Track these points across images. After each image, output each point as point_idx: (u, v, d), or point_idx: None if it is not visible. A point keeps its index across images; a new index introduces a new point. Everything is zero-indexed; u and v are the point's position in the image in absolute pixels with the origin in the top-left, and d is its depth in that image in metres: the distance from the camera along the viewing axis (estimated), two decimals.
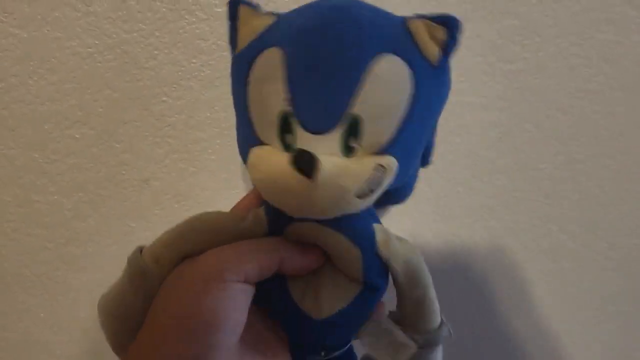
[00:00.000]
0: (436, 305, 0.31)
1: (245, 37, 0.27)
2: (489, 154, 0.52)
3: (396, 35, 0.25)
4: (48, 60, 0.43)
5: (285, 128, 0.25)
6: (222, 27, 0.44)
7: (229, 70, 0.44)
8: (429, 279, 0.30)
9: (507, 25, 0.48)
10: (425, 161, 0.33)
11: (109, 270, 0.49)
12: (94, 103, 0.45)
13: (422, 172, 0.51)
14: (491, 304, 0.57)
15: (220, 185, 0.47)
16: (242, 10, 0.27)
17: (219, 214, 0.29)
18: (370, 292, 0.29)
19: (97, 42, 0.43)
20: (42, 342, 0.51)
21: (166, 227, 0.48)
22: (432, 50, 0.25)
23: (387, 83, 0.24)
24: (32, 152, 0.45)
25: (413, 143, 0.27)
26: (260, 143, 0.26)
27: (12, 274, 0.48)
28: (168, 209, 0.48)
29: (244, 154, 0.28)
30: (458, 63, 0.48)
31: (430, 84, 0.26)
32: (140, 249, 0.30)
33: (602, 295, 0.58)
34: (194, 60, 0.45)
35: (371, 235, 0.29)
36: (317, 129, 0.24)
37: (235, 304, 0.25)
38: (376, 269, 0.29)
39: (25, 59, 0.43)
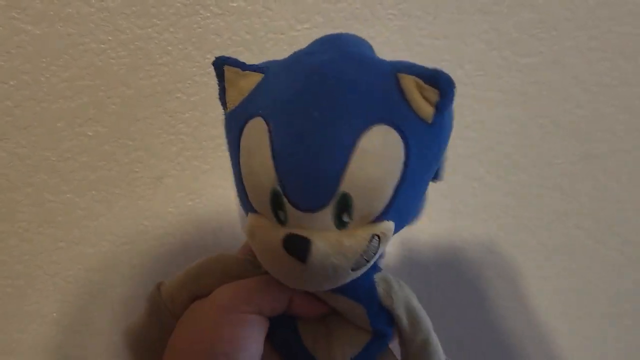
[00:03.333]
0: (440, 349, 0.30)
1: (234, 98, 0.26)
2: (504, 149, 0.51)
3: (386, 97, 0.24)
4: (60, 57, 0.43)
5: (276, 205, 0.24)
6: (238, 22, 0.44)
7: None
8: (429, 323, 0.30)
9: (524, 18, 0.47)
10: (435, 178, 0.32)
11: (122, 270, 0.48)
12: (106, 100, 0.44)
13: None
14: (506, 301, 0.56)
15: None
16: (228, 71, 0.26)
17: (232, 258, 0.30)
18: (379, 339, 0.30)
19: (110, 38, 0.43)
20: (54, 344, 0.50)
21: (180, 226, 0.48)
22: (426, 110, 0.24)
23: (376, 157, 0.23)
24: (44, 151, 0.45)
25: (410, 201, 0.26)
26: (255, 211, 0.26)
27: (24, 275, 0.48)
28: (182, 207, 0.47)
29: (244, 209, 0.28)
30: (474, 57, 0.48)
31: (424, 142, 0.25)
32: (159, 285, 0.31)
33: (619, 291, 0.58)
34: (209, 56, 0.44)
35: (372, 289, 0.29)
36: (308, 209, 0.24)
37: (252, 335, 0.26)
38: (383, 318, 0.29)
39: (38, 56, 0.42)
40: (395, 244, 0.52)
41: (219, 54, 0.44)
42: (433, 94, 0.23)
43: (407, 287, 0.30)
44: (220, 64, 0.26)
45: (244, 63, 0.26)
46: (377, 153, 0.23)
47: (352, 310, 0.29)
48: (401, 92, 0.24)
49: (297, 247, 0.23)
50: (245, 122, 0.25)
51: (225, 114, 0.27)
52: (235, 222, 0.47)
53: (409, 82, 0.24)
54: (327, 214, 0.24)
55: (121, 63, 0.43)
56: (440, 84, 0.23)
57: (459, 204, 0.52)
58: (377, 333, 0.29)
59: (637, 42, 0.49)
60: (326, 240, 0.24)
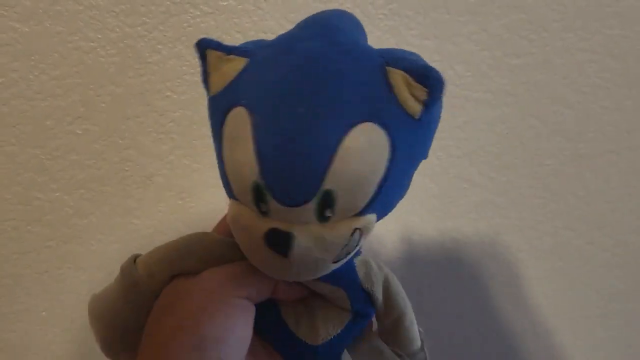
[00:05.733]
0: (414, 331, 0.31)
1: (217, 83, 0.25)
2: (494, 150, 0.51)
3: (373, 93, 0.23)
4: (49, 55, 0.43)
5: (258, 197, 0.23)
6: (228, 21, 0.44)
7: None
8: (406, 303, 0.31)
9: (513, 19, 0.47)
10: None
11: (111, 268, 0.48)
12: (96, 98, 0.44)
13: (428, 169, 0.51)
14: (496, 301, 0.56)
15: None
16: (211, 55, 0.25)
17: (216, 239, 0.29)
18: (360, 318, 0.30)
19: (99, 36, 0.43)
20: (43, 342, 0.50)
21: (170, 225, 0.48)
22: (414, 107, 0.23)
23: (360, 154, 0.23)
24: (33, 149, 0.45)
25: (394, 194, 0.26)
26: (237, 199, 0.25)
27: (12, 274, 0.48)
28: (172, 206, 0.47)
29: (227, 193, 0.27)
30: (464, 57, 0.48)
31: (411, 138, 0.24)
32: (135, 258, 0.30)
33: (608, 292, 0.58)
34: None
35: (353, 274, 0.29)
36: (290, 204, 0.23)
37: (241, 320, 0.26)
38: (363, 300, 0.30)
39: (27, 54, 0.42)
40: (385, 244, 0.52)
41: None
42: (422, 92, 0.23)
43: (386, 269, 0.31)
44: (203, 47, 0.25)
45: (227, 46, 0.25)
46: (362, 151, 0.23)
47: (333, 294, 0.29)
48: (389, 86, 0.23)
49: (279, 242, 0.23)
50: (229, 110, 0.24)
51: (208, 99, 0.26)
52: None
53: (398, 78, 0.23)
54: (309, 209, 0.23)
55: (110, 61, 0.43)
56: (430, 83, 0.22)
57: (450, 205, 0.52)
58: (358, 313, 0.30)
59: (626, 43, 0.49)
60: (308, 234, 0.23)
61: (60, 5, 0.42)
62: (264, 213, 0.24)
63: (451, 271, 0.54)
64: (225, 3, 0.43)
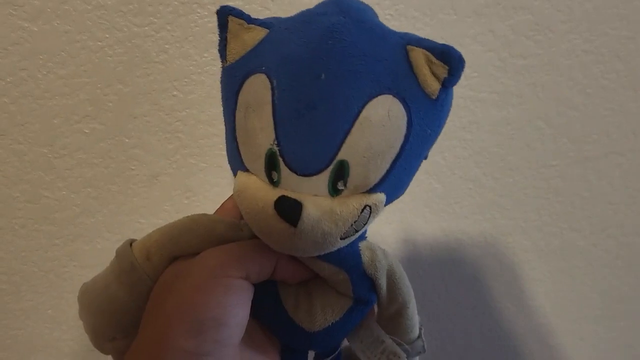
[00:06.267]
0: (414, 320, 0.31)
1: (236, 51, 0.25)
2: (500, 151, 0.51)
3: (394, 69, 0.24)
4: (57, 54, 0.43)
5: (271, 165, 0.24)
6: None
7: None
8: (409, 294, 0.30)
9: (519, 20, 0.47)
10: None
11: None
12: (103, 97, 0.44)
13: (434, 169, 0.51)
14: (500, 301, 0.56)
15: (231, 181, 0.47)
16: (232, 22, 0.25)
17: (216, 219, 0.29)
18: (361, 305, 0.30)
19: (107, 35, 0.43)
20: (50, 340, 0.50)
21: None
22: (432, 85, 0.24)
23: (378, 127, 0.23)
24: (41, 147, 0.45)
25: (404, 175, 0.26)
26: (247, 170, 0.25)
27: (19, 271, 0.48)
28: (178, 204, 0.47)
29: (232, 168, 0.27)
30: (470, 58, 0.48)
31: (426, 118, 0.25)
32: (130, 242, 0.29)
33: (612, 293, 0.58)
34: (206, 55, 0.44)
35: (357, 257, 0.29)
36: (304, 173, 0.23)
37: (240, 300, 0.25)
38: (365, 286, 0.29)
39: (35, 53, 0.43)
40: (389, 244, 0.52)
41: (216, 52, 0.44)
42: (442, 70, 0.23)
43: (391, 256, 0.30)
44: (225, 14, 0.25)
45: (249, 16, 0.25)
46: (380, 123, 0.23)
47: (335, 277, 0.29)
48: (409, 64, 0.24)
49: (289, 209, 0.23)
50: (247, 77, 0.24)
51: (223, 68, 0.26)
52: None
53: (419, 56, 0.24)
54: (322, 180, 0.23)
55: (118, 61, 0.43)
56: (451, 60, 0.23)
57: (455, 205, 0.52)
58: (359, 300, 0.29)
59: (631, 45, 0.49)
60: (318, 206, 0.23)
61: (68, 4, 0.42)
62: (275, 183, 0.24)
63: (455, 272, 0.54)
64: (232, 3, 0.43)
